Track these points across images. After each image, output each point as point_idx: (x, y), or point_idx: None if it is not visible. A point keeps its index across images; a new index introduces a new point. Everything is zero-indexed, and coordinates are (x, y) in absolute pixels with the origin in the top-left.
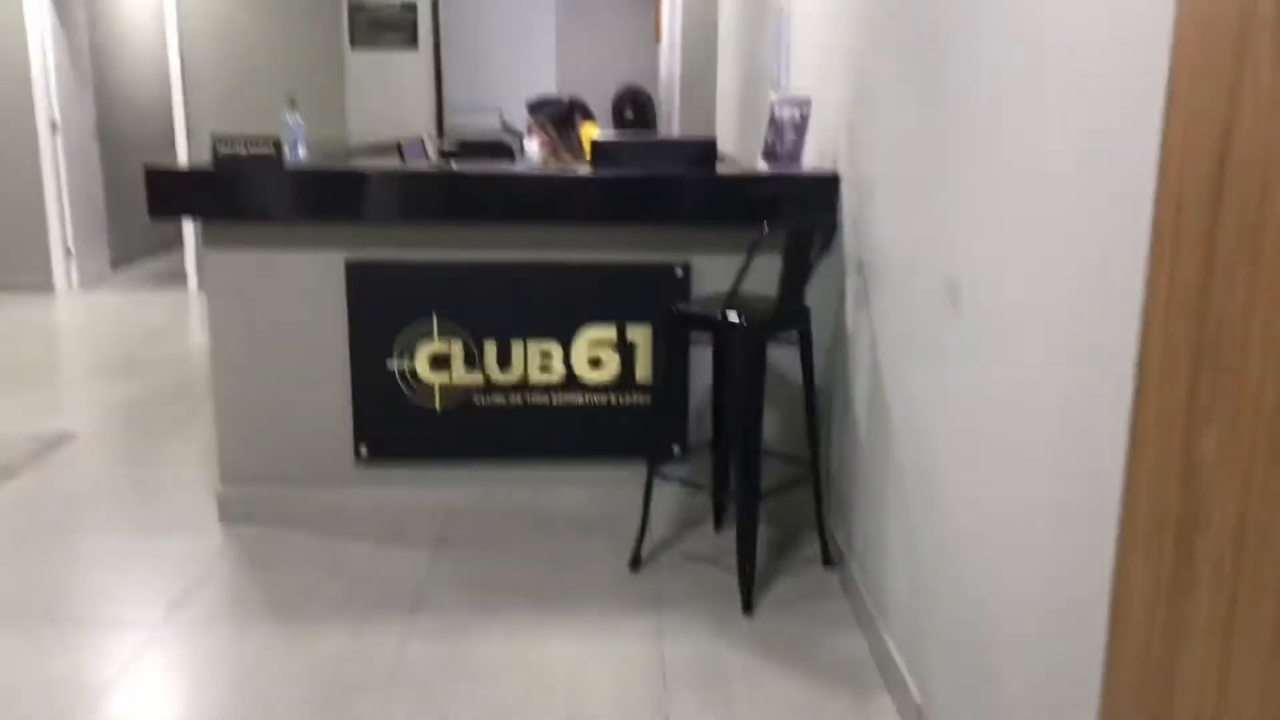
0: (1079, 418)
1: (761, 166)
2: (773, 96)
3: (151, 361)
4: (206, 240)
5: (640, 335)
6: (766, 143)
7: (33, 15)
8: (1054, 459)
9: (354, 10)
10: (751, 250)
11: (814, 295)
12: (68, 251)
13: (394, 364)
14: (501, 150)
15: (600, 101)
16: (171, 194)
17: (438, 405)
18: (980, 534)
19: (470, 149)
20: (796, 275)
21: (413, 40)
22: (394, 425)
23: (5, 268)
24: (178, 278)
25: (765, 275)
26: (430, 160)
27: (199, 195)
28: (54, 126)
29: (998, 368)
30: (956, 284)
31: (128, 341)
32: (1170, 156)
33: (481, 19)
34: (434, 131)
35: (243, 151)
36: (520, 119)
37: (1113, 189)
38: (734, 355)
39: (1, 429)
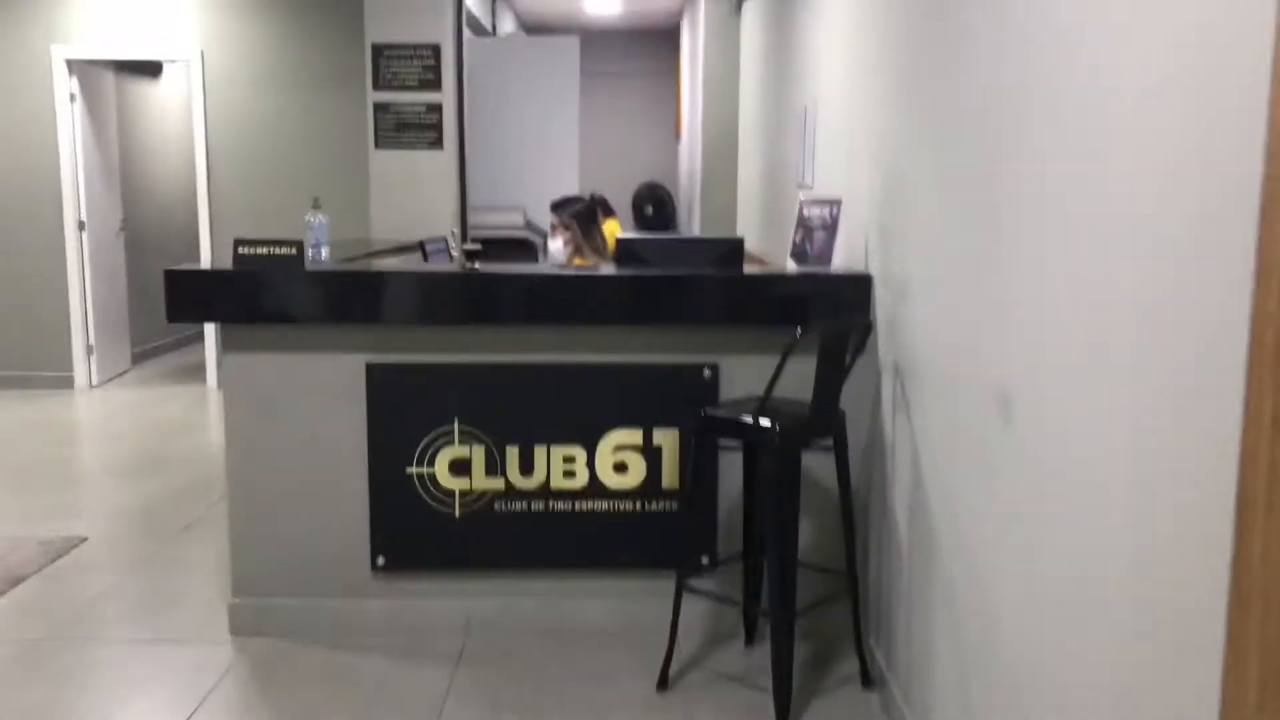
0: (1164, 560)
1: (790, 267)
2: (800, 196)
3: (168, 459)
4: (226, 344)
5: (667, 439)
6: (795, 243)
7: (64, 116)
8: (1134, 606)
9: (379, 110)
10: (785, 355)
11: (848, 399)
12: (89, 348)
13: (414, 469)
14: (525, 248)
15: (622, 198)
16: (191, 298)
17: (457, 512)
18: (1041, 668)
19: (493, 247)
20: (831, 380)
21: (438, 141)
22: (413, 533)
23: (27, 363)
24: (197, 372)
25: (798, 378)
26: (453, 259)
27: (219, 299)
28: (81, 225)
29: (1060, 492)
30: (1007, 395)
31: (145, 438)
32: (1271, 269)
33: (506, 119)
34: (457, 230)
35: (265, 253)
36: (543, 217)
37: (1198, 295)
38: (766, 463)
39: (13, 532)
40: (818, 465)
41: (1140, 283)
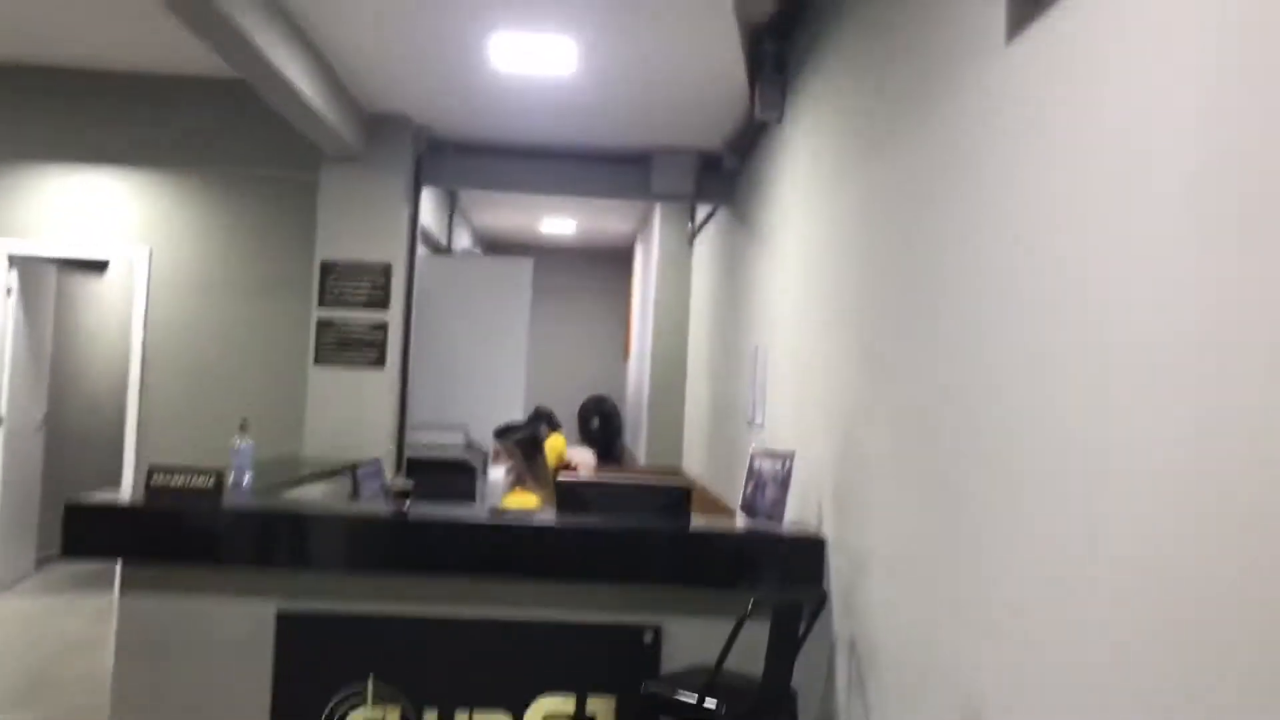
0: None
1: (740, 520)
2: (752, 446)
3: (53, 683)
4: (125, 583)
5: (603, 708)
6: (746, 495)
7: None
8: None
9: (322, 327)
10: (735, 631)
11: (798, 674)
12: None
13: None
14: (463, 470)
15: (568, 411)
16: (92, 532)
17: None
18: None
19: (431, 469)
20: (783, 658)
21: (380, 359)
22: None
23: None
24: (106, 578)
25: (745, 645)
26: (386, 485)
27: (123, 534)
28: None
29: None
30: (977, 711)
31: (34, 657)
32: None
33: (454, 335)
34: (392, 449)
35: (180, 483)
36: (486, 436)
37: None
38: None
39: None
40: None
41: (1144, 591)
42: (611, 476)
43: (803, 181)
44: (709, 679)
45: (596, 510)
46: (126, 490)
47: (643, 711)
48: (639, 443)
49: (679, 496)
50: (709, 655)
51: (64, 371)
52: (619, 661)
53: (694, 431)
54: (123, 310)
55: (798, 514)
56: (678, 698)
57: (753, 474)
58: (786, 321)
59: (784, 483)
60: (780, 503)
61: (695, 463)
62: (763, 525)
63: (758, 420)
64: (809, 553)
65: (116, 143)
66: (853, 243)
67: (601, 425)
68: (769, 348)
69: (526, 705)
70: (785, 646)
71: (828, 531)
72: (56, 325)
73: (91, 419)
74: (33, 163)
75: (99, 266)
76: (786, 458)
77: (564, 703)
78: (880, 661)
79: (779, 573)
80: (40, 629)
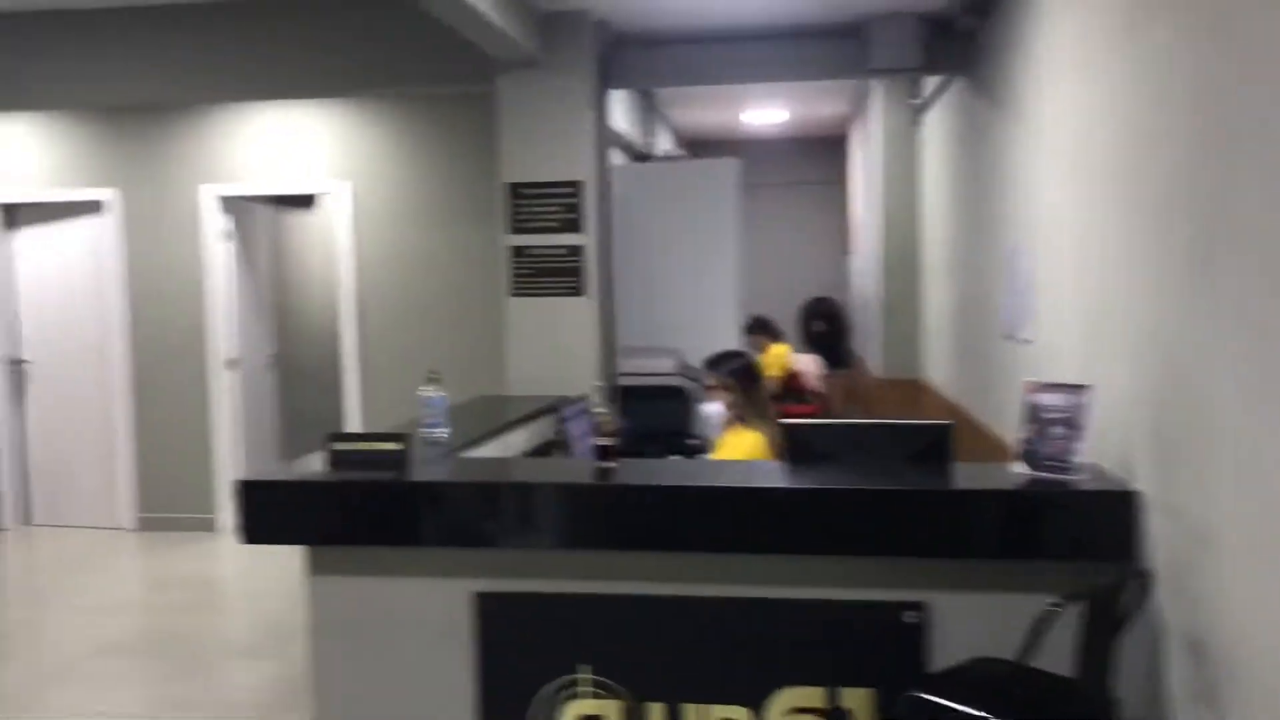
0: None
1: (1018, 470)
2: (1029, 379)
3: (295, 631)
4: (313, 565)
5: (859, 701)
6: (1022, 441)
7: (216, 254)
8: None
9: (516, 255)
10: (1036, 632)
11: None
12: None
13: None
14: (677, 396)
15: (788, 316)
16: (270, 514)
17: None
18: None
19: (642, 395)
20: (1099, 656)
21: (579, 286)
22: None
23: (171, 505)
24: None
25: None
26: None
27: (304, 515)
28: (230, 363)
29: None
30: None
31: (278, 601)
32: None
33: (658, 250)
34: (601, 383)
35: (363, 451)
36: (699, 359)
37: None
38: None
39: None
40: None
41: None
42: (847, 421)
43: (1081, 39)
44: (1004, 694)
45: (832, 457)
46: (353, 421)
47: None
48: (872, 350)
49: (939, 437)
50: (989, 640)
51: (286, 310)
52: (876, 647)
53: (935, 339)
54: (333, 246)
55: (1094, 463)
56: (957, 710)
57: (1032, 413)
58: (1060, 217)
59: (1077, 424)
60: (1072, 450)
61: (939, 374)
62: (1051, 478)
63: (1023, 336)
64: (1116, 515)
65: (305, 76)
66: (1178, 114)
67: (826, 329)
68: (1033, 248)
69: (766, 698)
70: (1102, 641)
71: (1145, 485)
72: (274, 265)
73: (316, 354)
74: (232, 107)
75: (306, 202)
76: (1080, 393)
77: (812, 696)
78: (1244, 674)
79: (1077, 540)
80: (284, 567)
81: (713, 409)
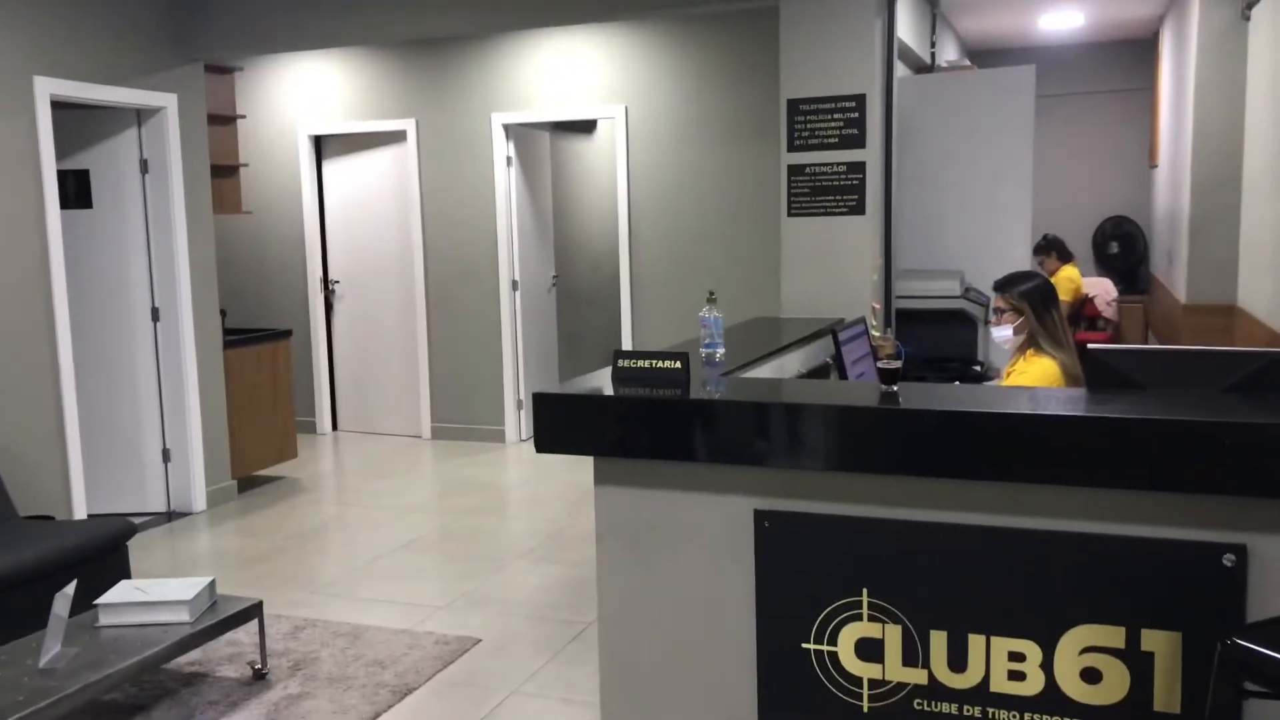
0: None
1: None
2: None
3: (576, 537)
4: (599, 475)
5: (1163, 646)
6: None
7: (501, 179)
8: None
9: (793, 174)
10: None
11: None
12: (519, 403)
13: (811, 645)
14: (961, 320)
15: (1082, 237)
16: (561, 425)
17: (865, 705)
18: None
19: (924, 320)
20: None
21: (859, 205)
22: None
23: (466, 417)
24: None
25: None
26: (873, 345)
27: (591, 427)
28: (515, 285)
29: None
30: None
31: (560, 507)
32: None
33: (943, 166)
34: (879, 305)
35: (646, 368)
36: (984, 282)
37: None
38: None
39: (418, 624)
40: None
41: None
42: (1161, 347)
43: None
44: None
45: (1140, 386)
46: (628, 342)
47: (1224, 669)
48: (1176, 273)
49: (1268, 366)
50: None
51: (566, 234)
52: (1185, 590)
53: (1256, 259)
54: (610, 170)
55: None
56: None
57: None
58: None
59: None
60: None
61: (1260, 299)
62: None
63: None
64: None
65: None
66: None
67: (1121, 250)
68: None
69: (1059, 635)
70: None
71: None
72: (555, 189)
73: (595, 277)
74: (516, 36)
75: (587, 128)
76: None
77: (1108, 634)
78: None
79: None
80: (568, 478)
81: (1002, 333)
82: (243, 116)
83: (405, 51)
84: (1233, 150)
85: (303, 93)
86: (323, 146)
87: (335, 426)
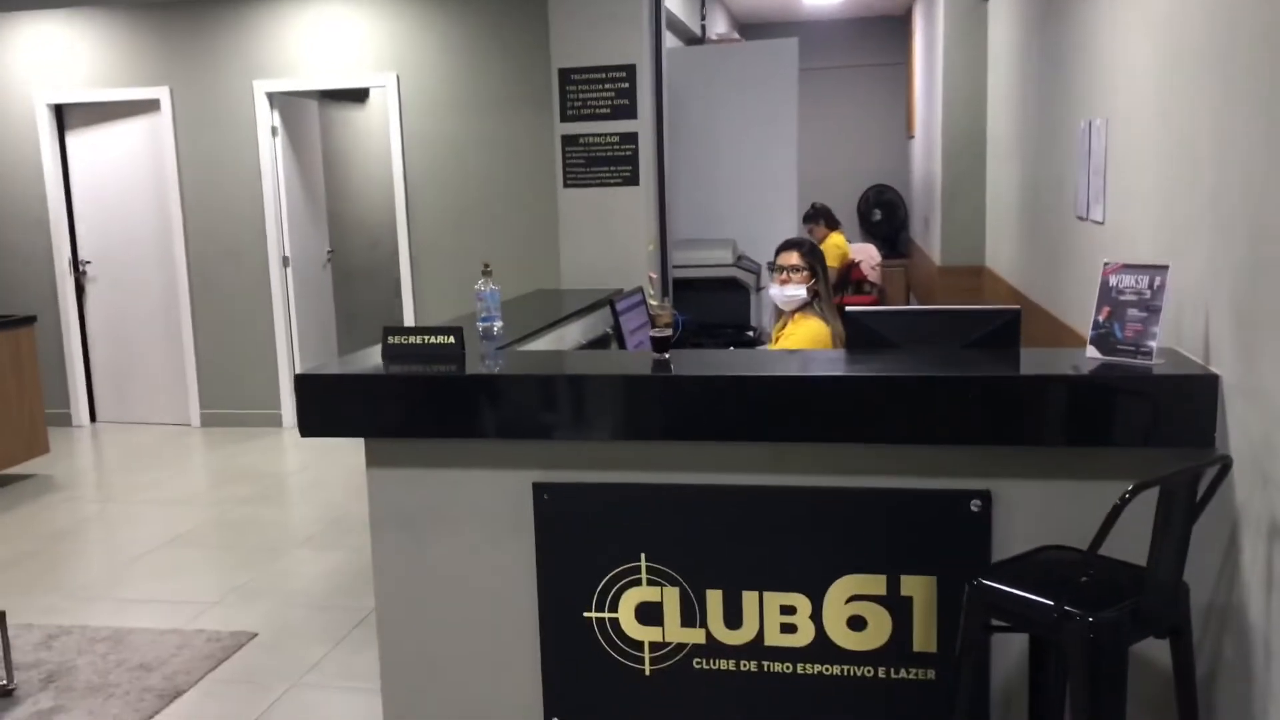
0: None
1: (1090, 356)
2: (1106, 262)
3: (356, 523)
4: (371, 458)
5: (920, 590)
6: (1097, 323)
7: (266, 150)
8: None
9: (567, 144)
10: (1109, 520)
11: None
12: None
13: (593, 614)
14: (734, 287)
15: (847, 205)
16: (328, 407)
17: (647, 668)
18: None
19: (699, 288)
20: (1170, 545)
21: (633, 176)
22: (593, 691)
23: (234, 401)
24: None
25: (1095, 518)
26: (650, 315)
27: (360, 408)
28: (285, 261)
29: None
30: None
31: (339, 493)
32: None
33: (713, 137)
34: (655, 274)
35: (418, 344)
36: (754, 248)
37: None
38: (1074, 662)
39: (187, 623)
40: (1144, 651)
41: None
42: (911, 308)
43: None
44: (1074, 583)
45: (895, 345)
46: (409, 318)
47: (971, 607)
48: (931, 237)
49: (1006, 323)
50: (1054, 529)
51: (341, 208)
52: (938, 535)
53: (1000, 223)
54: (385, 142)
55: (1170, 347)
56: (1023, 600)
57: (1107, 295)
58: (1140, 91)
59: (1153, 306)
60: (1148, 333)
61: (1004, 261)
62: (1125, 362)
63: (1094, 216)
64: (1195, 400)
65: None
66: None
67: (884, 217)
68: (1110, 123)
69: (826, 587)
70: (1175, 528)
71: (1223, 367)
72: (326, 161)
73: (374, 253)
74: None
75: (358, 97)
76: (1156, 273)
77: (872, 583)
78: None
79: (1152, 427)
80: (346, 461)
81: (793, 292)
82: None
83: (156, 12)
84: (977, 122)
85: (39, 57)
86: (65, 116)
87: (94, 418)
